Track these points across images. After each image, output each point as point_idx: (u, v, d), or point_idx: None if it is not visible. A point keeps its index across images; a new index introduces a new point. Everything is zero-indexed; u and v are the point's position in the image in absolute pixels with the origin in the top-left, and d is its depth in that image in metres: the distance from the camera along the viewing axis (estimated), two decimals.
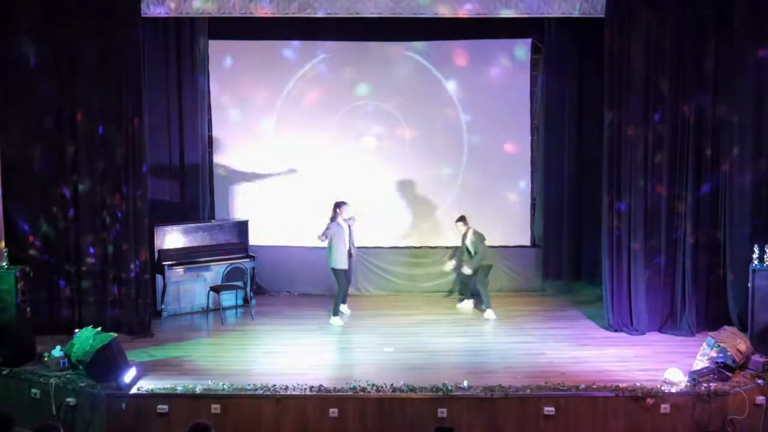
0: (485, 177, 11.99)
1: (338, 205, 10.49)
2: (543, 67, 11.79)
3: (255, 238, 11.64)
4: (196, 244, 11.17)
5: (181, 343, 9.74)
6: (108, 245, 9.89)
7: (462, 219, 11.03)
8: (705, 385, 8.07)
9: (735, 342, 8.44)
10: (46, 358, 8.65)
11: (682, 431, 7.96)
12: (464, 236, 10.96)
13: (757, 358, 8.56)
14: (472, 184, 11.96)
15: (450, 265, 11.36)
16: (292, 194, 11.92)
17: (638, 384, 8.10)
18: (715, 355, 8.34)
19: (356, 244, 10.77)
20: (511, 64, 11.92)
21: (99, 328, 8.75)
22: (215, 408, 7.93)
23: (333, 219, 10.47)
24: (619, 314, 10.01)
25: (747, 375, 8.35)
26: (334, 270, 10.54)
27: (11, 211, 9.69)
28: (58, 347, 8.71)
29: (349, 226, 10.54)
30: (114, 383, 8.09)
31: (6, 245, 9.32)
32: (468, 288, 11.24)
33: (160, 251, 10.88)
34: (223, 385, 8.12)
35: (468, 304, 11.15)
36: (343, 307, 10.77)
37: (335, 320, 10.48)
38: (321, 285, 11.67)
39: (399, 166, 11.99)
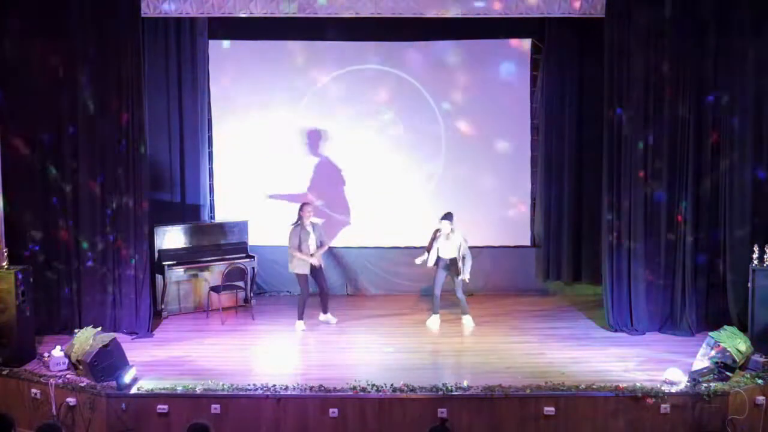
0: (485, 177, 11.98)
1: (301, 207, 10.22)
2: (543, 66, 11.78)
3: (255, 238, 11.63)
4: (196, 244, 11.17)
5: (181, 343, 9.74)
6: (108, 245, 9.89)
7: (449, 217, 10.21)
8: (705, 385, 8.07)
9: (735, 342, 8.44)
10: (46, 358, 8.66)
11: (682, 431, 7.96)
12: (446, 236, 10.17)
13: (757, 358, 8.56)
14: (472, 184, 11.95)
15: (421, 259, 10.44)
16: (292, 194, 11.91)
17: (638, 384, 8.10)
18: (715, 355, 8.35)
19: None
20: (510, 63, 11.91)
21: (99, 328, 8.76)
22: (215, 408, 7.93)
23: (297, 223, 10.17)
24: (619, 314, 10.01)
25: (747, 375, 8.35)
26: (297, 275, 10.27)
27: (11, 211, 9.68)
28: (58, 347, 8.71)
29: (314, 229, 10.30)
30: (114, 383, 8.09)
31: (6, 245, 9.31)
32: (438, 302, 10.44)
33: (160, 251, 10.88)
34: (223, 385, 8.12)
35: (436, 321, 10.42)
36: (327, 316, 10.46)
37: (299, 324, 10.27)
38: None
39: (398, 166, 11.98)
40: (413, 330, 10.25)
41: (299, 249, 10.17)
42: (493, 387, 8.05)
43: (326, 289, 10.56)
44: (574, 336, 9.93)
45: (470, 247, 10.23)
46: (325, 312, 10.53)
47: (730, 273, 9.87)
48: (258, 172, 11.96)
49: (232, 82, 11.93)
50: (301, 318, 10.33)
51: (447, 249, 10.29)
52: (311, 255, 10.18)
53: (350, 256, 11.94)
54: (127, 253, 9.88)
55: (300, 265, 10.24)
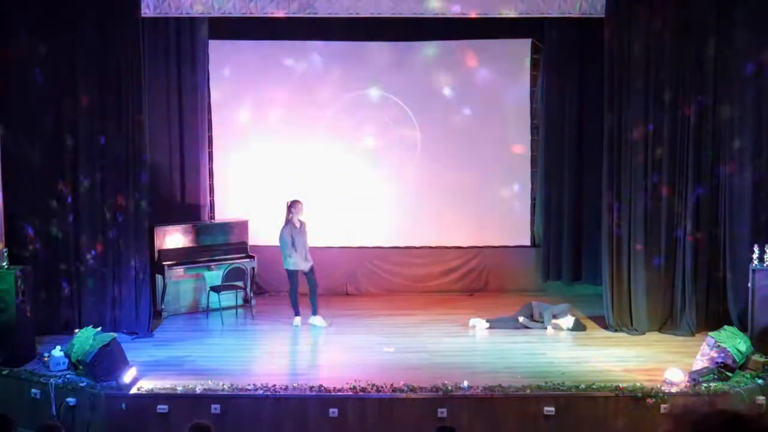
0: (485, 177, 11.99)
1: (292, 204, 10.29)
2: (543, 67, 11.79)
3: (255, 238, 11.63)
4: (196, 244, 11.16)
5: (181, 343, 9.74)
6: (108, 245, 9.89)
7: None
8: (705, 385, 8.07)
9: (735, 342, 8.43)
10: (46, 358, 8.65)
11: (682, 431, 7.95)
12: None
13: (757, 358, 8.55)
14: (472, 184, 11.95)
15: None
16: (292, 194, 11.89)
17: (638, 384, 8.09)
18: (715, 355, 8.33)
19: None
20: (511, 63, 11.92)
21: (99, 328, 8.75)
22: (215, 408, 7.92)
23: (288, 221, 10.25)
24: (619, 314, 10.01)
25: (747, 375, 8.34)
26: (289, 271, 10.33)
27: (12, 211, 9.68)
28: (58, 347, 8.70)
29: (301, 226, 10.32)
30: (114, 383, 8.09)
31: (6, 245, 9.31)
32: None
33: (160, 251, 10.88)
34: (223, 385, 8.11)
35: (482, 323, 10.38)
36: (317, 319, 10.36)
37: (296, 320, 10.37)
38: (320, 285, 11.64)
39: (398, 166, 11.99)
40: (413, 330, 10.24)
41: (294, 247, 10.18)
42: (493, 387, 8.04)
43: (315, 286, 10.41)
44: (574, 336, 9.93)
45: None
46: (315, 314, 10.41)
47: (730, 273, 9.86)
48: (258, 172, 11.96)
49: (232, 82, 11.94)
50: (297, 314, 10.38)
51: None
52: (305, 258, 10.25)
53: (350, 256, 11.94)
54: (127, 253, 9.87)
55: (294, 263, 10.25)
